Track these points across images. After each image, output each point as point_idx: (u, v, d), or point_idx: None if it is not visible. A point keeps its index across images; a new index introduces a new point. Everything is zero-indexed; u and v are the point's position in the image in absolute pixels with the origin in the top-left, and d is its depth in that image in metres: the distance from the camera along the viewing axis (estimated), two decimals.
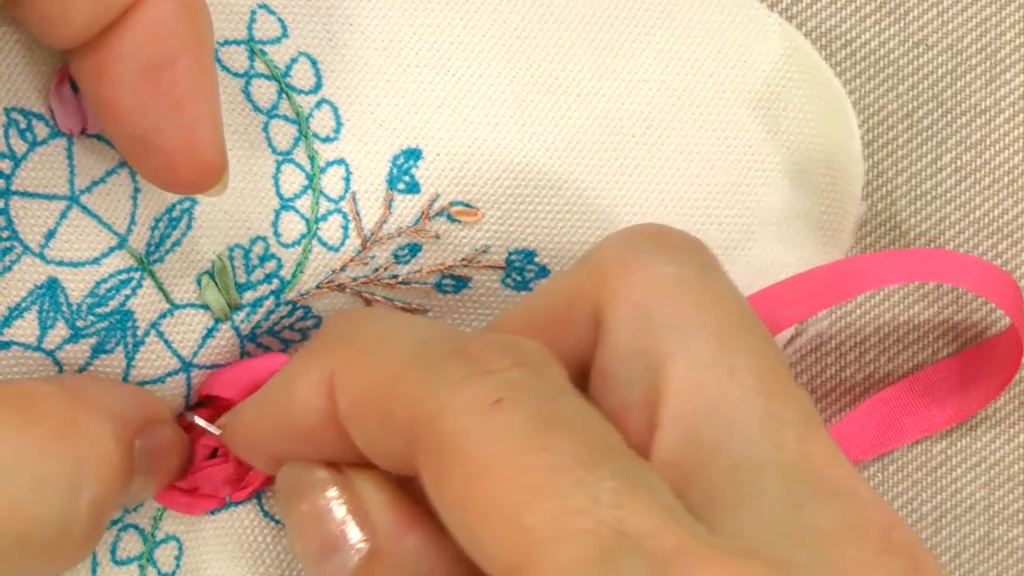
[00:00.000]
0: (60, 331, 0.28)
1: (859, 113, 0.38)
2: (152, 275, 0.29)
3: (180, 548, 0.30)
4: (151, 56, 0.26)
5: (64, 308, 0.28)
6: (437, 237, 0.30)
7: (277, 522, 0.30)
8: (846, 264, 0.32)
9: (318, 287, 0.30)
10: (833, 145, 0.32)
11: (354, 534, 0.25)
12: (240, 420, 0.28)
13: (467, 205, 0.30)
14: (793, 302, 0.31)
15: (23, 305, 0.28)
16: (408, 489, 0.25)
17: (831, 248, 0.33)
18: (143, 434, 0.27)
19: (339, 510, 0.25)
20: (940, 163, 0.38)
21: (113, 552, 0.30)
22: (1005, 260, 0.38)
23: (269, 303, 0.29)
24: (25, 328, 0.28)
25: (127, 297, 0.29)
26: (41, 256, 0.28)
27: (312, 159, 0.29)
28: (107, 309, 0.28)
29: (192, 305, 0.29)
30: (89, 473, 0.25)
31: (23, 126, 0.28)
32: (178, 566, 0.30)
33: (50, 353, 0.28)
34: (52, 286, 0.28)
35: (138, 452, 0.27)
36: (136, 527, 0.30)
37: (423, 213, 0.30)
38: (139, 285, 0.29)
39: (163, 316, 0.29)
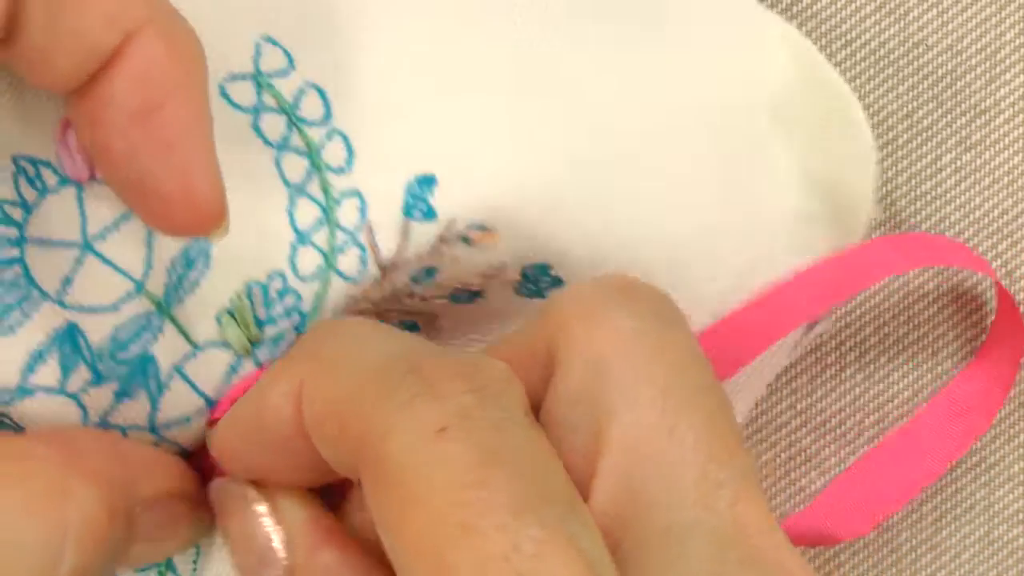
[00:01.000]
0: (82, 374, 0.28)
1: None
2: (172, 319, 0.28)
3: (198, 552, 0.30)
4: (140, 100, 0.25)
5: (85, 352, 0.28)
6: (455, 260, 0.30)
7: None
8: (851, 257, 0.32)
9: (334, 315, 0.29)
10: (842, 147, 0.32)
11: (280, 550, 0.26)
12: (220, 429, 0.28)
13: (483, 228, 0.29)
14: (799, 301, 0.31)
15: (44, 351, 0.28)
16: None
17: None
18: (150, 503, 0.27)
19: (267, 527, 0.26)
20: (940, 163, 0.38)
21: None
22: (1005, 260, 0.38)
23: (291, 338, 0.29)
24: (47, 373, 0.28)
25: (148, 343, 0.28)
26: (60, 302, 0.28)
27: (326, 191, 0.29)
28: (128, 355, 0.28)
29: (214, 344, 0.29)
30: (71, 541, 0.25)
31: (31, 174, 0.28)
32: (194, 571, 0.30)
33: (74, 396, 0.28)
34: (71, 331, 0.28)
35: (143, 520, 0.27)
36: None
37: (440, 238, 0.29)
38: (160, 329, 0.28)
39: (186, 358, 0.29)
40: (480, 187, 0.29)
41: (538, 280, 0.30)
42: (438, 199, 0.29)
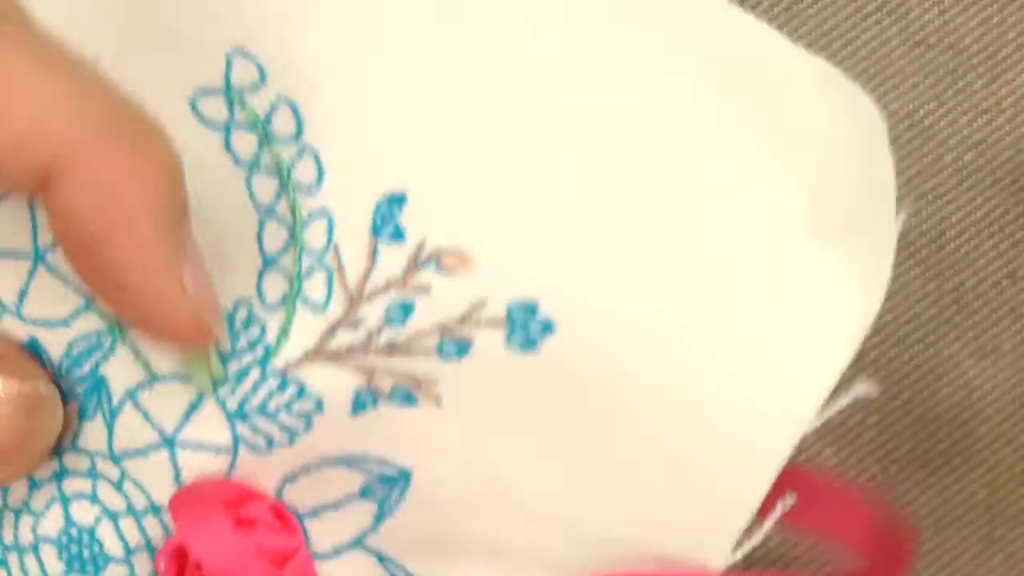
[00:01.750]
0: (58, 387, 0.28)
1: None
2: (127, 342, 0.28)
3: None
4: (75, 239, 0.23)
5: (50, 367, 0.28)
6: (428, 289, 0.28)
7: None
8: None
9: (305, 355, 0.28)
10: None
11: None
12: None
13: (458, 252, 0.28)
14: None
15: None
16: None
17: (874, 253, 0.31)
18: None
19: None
20: (941, 163, 0.38)
21: None
22: (1006, 260, 0.38)
23: (254, 375, 0.28)
24: None
25: (98, 362, 0.28)
26: (19, 315, 0.28)
27: (294, 211, 0.28)
28: (83, 372, 0.28)
29: (173, 377, 0.28)
30: None
31: None
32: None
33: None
34: (34, 345, 0.28)
35: None
36: None
37: (410, 263, 0.28)
38: (112, 350, 0.28)
39: (140, 387, 0.28)
40: (453, 203, 0.28)
41: (527, 326, 0.28)
42: (407, 218, 0.28)
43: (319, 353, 0.28)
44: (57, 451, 0.28)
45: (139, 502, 0.28)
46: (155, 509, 0.28)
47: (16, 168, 0.22)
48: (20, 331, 0.28)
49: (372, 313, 0.28)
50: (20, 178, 0.23)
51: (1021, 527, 0.38)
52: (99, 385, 0.28)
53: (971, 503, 0.38)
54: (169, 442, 0.28)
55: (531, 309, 0.28)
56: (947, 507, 0.38)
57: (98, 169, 0.23)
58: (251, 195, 0.28)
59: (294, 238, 0.28)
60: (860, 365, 0.38)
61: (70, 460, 0.29)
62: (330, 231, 0.28)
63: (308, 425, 0.28)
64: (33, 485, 0.29)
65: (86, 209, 0.23)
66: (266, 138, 0.28)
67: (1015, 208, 0.38)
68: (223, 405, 0.28)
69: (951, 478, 0.38)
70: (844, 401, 0.30)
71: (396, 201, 0.28)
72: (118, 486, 0.28)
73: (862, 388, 0.30)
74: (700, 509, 0.28)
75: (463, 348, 0.28)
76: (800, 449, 0.38)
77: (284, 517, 0.28)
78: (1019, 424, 0.38)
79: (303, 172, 0.28)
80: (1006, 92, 0.38)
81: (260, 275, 0.28)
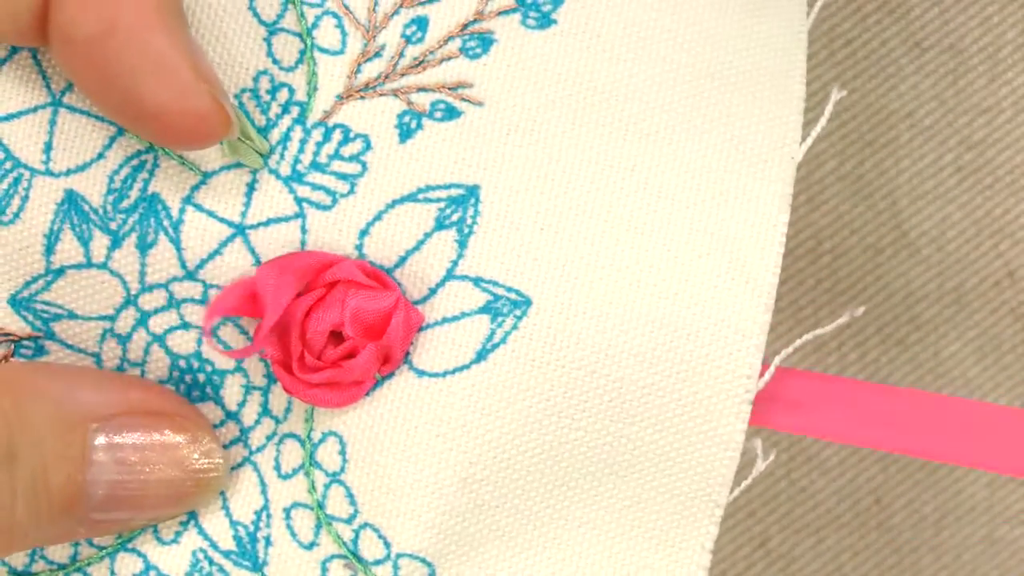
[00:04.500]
0: (101, 240, 0.28)
1: (860, 112, 0.38)
2: (167, 151, 0.28)
3: (342, 442, 0.29)
4: (89, 28, 0.25)
5: (92, 216, 0.28)
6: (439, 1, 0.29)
7: (433, 375, 0.29)
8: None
9: (339, 99, 0.28)
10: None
11: None
12: None
13: None
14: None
15: (55, 228, 0.28)
16: None
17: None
18: (109, 421, 0.26)
19: None
20: (942, 162, 0.38)
21: (277, 468, 0.29)
22: (1007, 260, 0.38)
23: (297, 134, 0.28)
24: (68, 250, 0.28)
25: (145, 182, 0.28)
26: (48, 172, 0.28)
27: None
28: (131, 201, 0.28)
29: (225, 168, 0.28)
30: None
31: None
32: (346, 460, 0.29)
33: (103, 266, 0.28)
34: (71, 199, 0.28)
35: (96, 438, 0.26)
36: (291, 435, 0.29)
37: None
38: (155, 165, 0.28)
39: (195, 188, 0.28)
40: None
41: (537, 2, 0.29)
42: None
43: (351, 93, 0.29)
44: (127, 300, 0.28)
45: None
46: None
47: None
48: (54, 188, 0.28)
49: (390, 38, 0.29)
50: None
51: (1021, 527, 0.38)
52: (153, 204, 0.28)
53: (971, 503, 0.38)
54: (240, 229, 0.28)
55: None
56: (947, 507, 0.38)
57: None
58: None
59: None
60: (861, 364, 0.38)
61: (145, 301, 0.28)
62: None
63: (363, 167, 0.28)
64: (122, 340, 0.29)
65: (92, 4, 0.25)
66: None
67: (1015, 208, 0.38)
68: (277, 174, 0.28)
69: (951, 478, 0.38)
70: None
71: None
72: (204, 300, 0.28)
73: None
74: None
75: (486, 41, 0.29)
76: (800, 449, 0.38)
77: (373, 273, 0.28)
78: None
79: None
80: (1006, 92, 0.38)
81: (268, 42, 0.28)
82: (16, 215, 0.27)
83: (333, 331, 0.28)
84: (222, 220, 0.28)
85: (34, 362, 0.28)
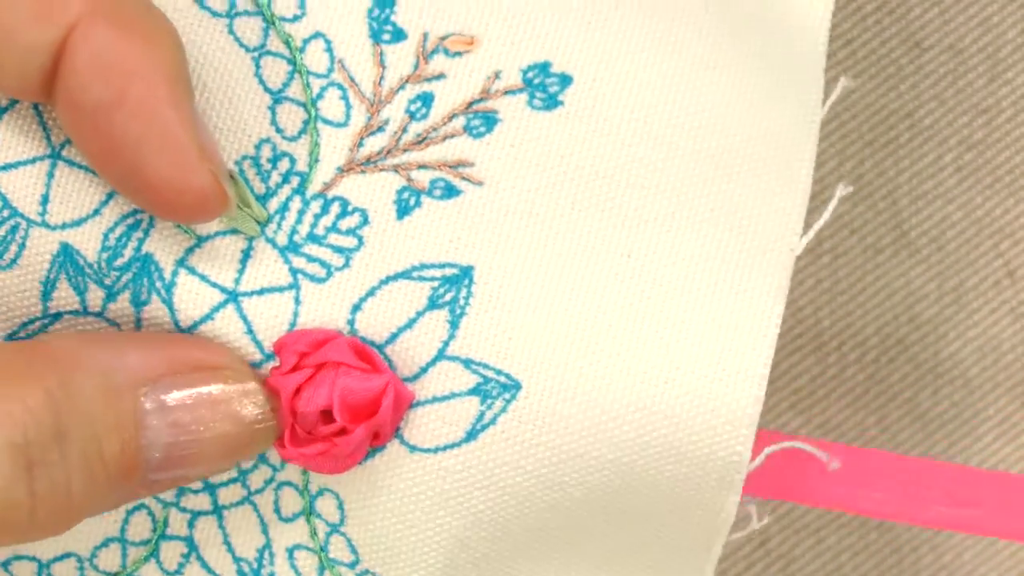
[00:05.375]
0: (96, 292, 0.28)
1: (860, 112, 0.38)
2: None
3: (339, 499, 0.29)
4: (98, 96, 0.25)
5: (87, 269, 0.28)
6: (442, 76, 0.29)
7: (424, 451, 0.29)
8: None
9: (340, 171, 0.28)
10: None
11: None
12: None
13: (459, 34, 0.29)
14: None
15: (51, 277, 0.28)
16: None
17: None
18: (158, 383, 0.26)
19: None
20: (941, 162, 0.38)
21: (277, 511, 0.29)
22: (1007, 260, 0.38)
23: (296, 204, 0.28)
24: (65, 297, 0.28)
25: (140, 241, 0.28)
26: (44, 224, 0.28)
27: (287, 43, 0.28)
28: (125, 259, 0.28)
29: (220, 233, 0.28)
30: None
31: None
32: (344, 515, 0.29)
33: (99, 315, 0.28)
34: (67, 252, 0.28)
35: (147, 402, 0.26)
36: (289, 483, 0.29)
37: (418, 56, 0.29)
38: (151, 225, 0.28)
39: (190, 251, 0.28)
40: None
41: (544, 85, 0.29)
42: (402, 17, 0.29)
43: (352, 166, 0.29)
44: None
45: None
46: None
47: (37, 34, 0.24)
48: (50, 241, 0.28)
49: (394, 113, 0.29)
50: (39, 43, 0.24)
51: None
52: (146, 264, 0.28)
53: None
54: (233, 295, 0.28)
55: (544, 68, 0.29)
56: None
57: (113, 32, 0.25)
58: (237, 39, 0.28)
59: (295, 65, 0.28)
60: (861, 364, 0.38)
61: None
62: (329, 50, 0.28)
63: (360, 241, 0.28)
64: None
65: (104, 67, 0.25)
66: None
67: (1015, 208, 0.38)
68: (273, 243, 0.28)
69: None
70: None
71: (385, 3, 0.28)
72: None
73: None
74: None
75: (490, 120, 0.29)
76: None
77: (363, 352, 0.28)
78: (1019, 424, 0.38)
79: (283, 5, 0.28)
80: (1006, 92, 0.38)
81: (272, 111, 0.28)
82: (14, 260, 0.27)
83: (323, 410, 0.28)
84: (214, 285, 0.28)
85: (78, 334, 0.28)
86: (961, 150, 0.38)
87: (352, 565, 0.29)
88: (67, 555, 0.30)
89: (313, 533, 0.29)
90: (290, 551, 0.30)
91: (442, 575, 0.29)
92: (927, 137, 0.38)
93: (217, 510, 0.30)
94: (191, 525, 0.30)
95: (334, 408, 0.27)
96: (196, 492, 0.30)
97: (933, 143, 0.38)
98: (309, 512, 0.29)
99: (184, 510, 0.30)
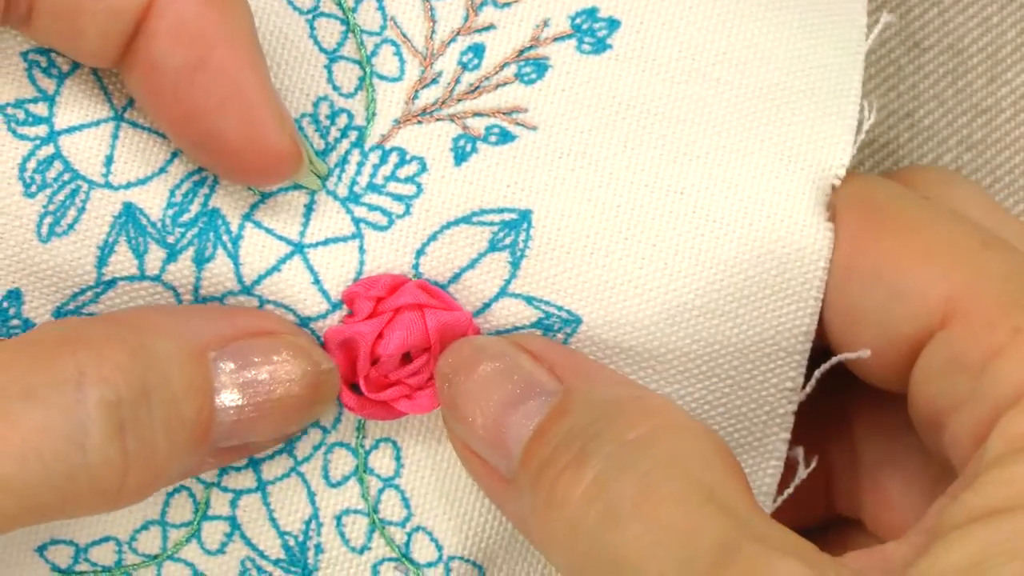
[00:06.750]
0: (156, 253, 0.28)
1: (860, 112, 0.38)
2: None
3: (396, 448, 0.30)
4: (182, 57, 0.25)
5: (150, 229, 0.28)
6: (492, 27, 0.29)
7: None
8: None
9: (396, 123, 0.29)
10: None
11: (547, 381, 0.27)
12: None
13: None
14: None
15: (110, 240, 0.28)
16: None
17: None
18: (226, 347, 0.27)
19: (528, 364, 0.27)
20: (941, 163, 0.38)
21: (326, 476, 0.30)
22: None
23: (355, 156, 0.29)
24: (122, 262, 0.28)
25: (206, 196, 0.28)
26: (108, 185, 0.28)
27: (340, 3, 0.29)
28: (191, 215, 0.28)
29: (282, 190, 0.29)
30: (90, 379, 0.25)
31: (44, 64, 0.28)
32: (401, 465, 0.30)
33: (156, 279, 0.28)
34: (129, 211, 0.28)
35: (218, 365, 0.27)
36: (341, 444, 0.30)
37: (467, 9, 0.29)
38: (216, 181, 0.28)
39: (255, 206, 0.29)
40: None
41: (592, 31, 0.30)
42: None
43: (408, 118, 0.29)
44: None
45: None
46: (304, 322, 0.29)
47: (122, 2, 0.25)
48: (112, 201, 0.28)
49: (447, 65, 0.29)
50: (125, 6, 0.25)
51: None
52: (213, 219, 0.28)
53: None
54: (299, 247, 0.29)
55: (592, 13, 0.30)
56: None
57: (195, 1, 0.25)
58: (291, 3, 0.29)
59: (348, 25, 0.29)
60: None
61: None
62: (381, 8, 0.29)
63: (419, 188, 0.29)
64: None
65: (189, 30, 0.25)
66: None
67: (1015, 208, 0.38)
68: (335, 195, 0.29)
69: None
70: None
71: None
72: None
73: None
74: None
75: (542, 67, 0.29)
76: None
77: (434, 292, 0.29)
78: None
79: None
80: (1006, 92, 0.38)
81: (328, 69, 0.29)
82: (71, 227, 0.28)
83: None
84: (280, 238, 0.29)
85: (140, 307, 0.28)
86: (961, 150, 0.38)
87: (403, 522, 0.30)
88: (106, 539, 0.30)
89: (364, 494, 0.30)
90: (338, 518, 0.30)
91: (492, 528, 0.30)
92: (927, 137, 0.38)
93: (261, 486, 0.30)
94: (233, 504, 0.30)
95: (432, 344, 0.28)
96: (239, 469, 0.30)
97: (933, 143, 0.38)
98: (363, 470, 0.30)
99: (226, 490, 0.30)
